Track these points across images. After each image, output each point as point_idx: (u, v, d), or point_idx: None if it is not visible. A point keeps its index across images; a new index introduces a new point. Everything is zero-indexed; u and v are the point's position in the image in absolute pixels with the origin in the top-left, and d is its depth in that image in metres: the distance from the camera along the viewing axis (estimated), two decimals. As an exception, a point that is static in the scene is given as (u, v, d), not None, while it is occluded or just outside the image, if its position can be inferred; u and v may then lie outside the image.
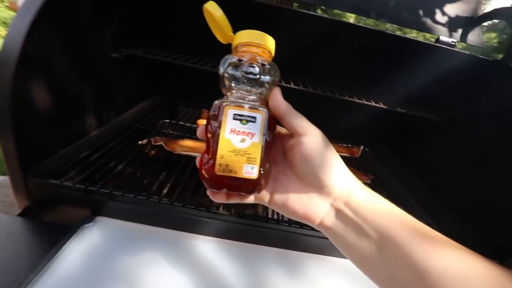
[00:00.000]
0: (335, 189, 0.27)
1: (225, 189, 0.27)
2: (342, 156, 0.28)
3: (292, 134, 0.28)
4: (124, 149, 0.72)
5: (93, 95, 0.74)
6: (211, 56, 0.93)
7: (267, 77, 0.28)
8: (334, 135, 1.14)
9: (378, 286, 0.25)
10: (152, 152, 0.79)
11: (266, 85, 0.28)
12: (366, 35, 0.87)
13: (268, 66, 0.29)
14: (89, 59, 0.71)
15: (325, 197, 0.27)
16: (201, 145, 0.77)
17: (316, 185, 0.27)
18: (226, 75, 0.28)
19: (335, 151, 0.27)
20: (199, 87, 1.16)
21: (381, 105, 0.83)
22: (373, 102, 0.83)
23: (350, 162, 0.95)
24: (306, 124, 0.27)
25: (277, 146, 0.30)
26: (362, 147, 1.01)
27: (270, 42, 0.30)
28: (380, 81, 0.99)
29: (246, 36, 0.29)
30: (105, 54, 0.77)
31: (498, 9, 0.75)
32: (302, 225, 0.57)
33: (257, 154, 0.26)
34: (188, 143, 0.76)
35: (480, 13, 0.81)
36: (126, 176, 0.64)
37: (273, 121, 0.28)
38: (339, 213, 0.26)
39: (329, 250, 0.59)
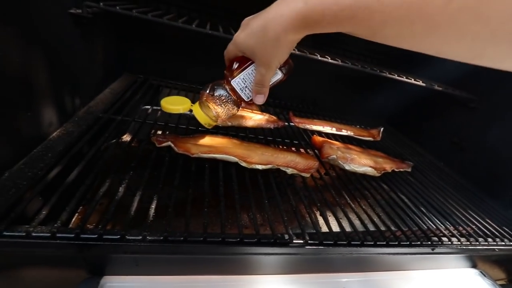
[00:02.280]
0: None
1: None
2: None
3: None
4: (103, 154, 0.49)
5: (49, 74, 0.46)
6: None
7: None
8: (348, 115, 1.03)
9: None
10: (141, 150, 0.55)
11: None
12: None
13: None
14: (39, 17, 0.43)
15: None
16: (223, 142, 0.57)
17: None
18: None
19: None
20: (178, 60, 0.91)
21: (420, 83, 0.73)
22: (413, 80, 0.72)
23: (373, 147, 0.86)
24: None
25: None
26: (381, 129, 0.92)
27: None
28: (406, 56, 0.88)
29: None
30: (62, 10, 0.49)
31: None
32: (375, 243, 0.45)
33: None
34: (205, 140, 0.56)
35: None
36: (125, 199, 0.41)
37: None
38: None
39: (407, 264, 0.49)
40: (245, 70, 0.39)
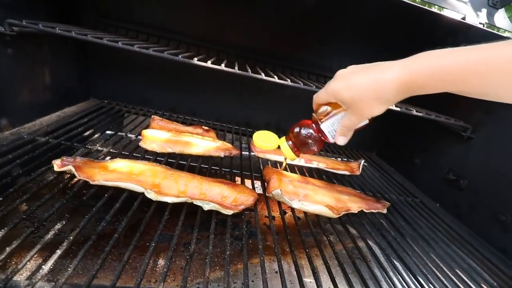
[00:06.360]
0: None
1: None
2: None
3: None
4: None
5: None
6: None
7: None
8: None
9: None
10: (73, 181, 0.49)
11: None
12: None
13: None
14: None
15: None
16: (142, 169, 0.49)
17: None
18: None
19: None
20: (145, 86, 0.89)
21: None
22: (404, 108, 0.62)
23: (350, 181, 0.73)
24: None
25: None
26: (362, 162, 0.80)
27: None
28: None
29: None
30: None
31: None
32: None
33: None
34: (120, 167, 0.48)
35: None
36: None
37: None
38: None
39: None
40: (335, 116, 0.41)
